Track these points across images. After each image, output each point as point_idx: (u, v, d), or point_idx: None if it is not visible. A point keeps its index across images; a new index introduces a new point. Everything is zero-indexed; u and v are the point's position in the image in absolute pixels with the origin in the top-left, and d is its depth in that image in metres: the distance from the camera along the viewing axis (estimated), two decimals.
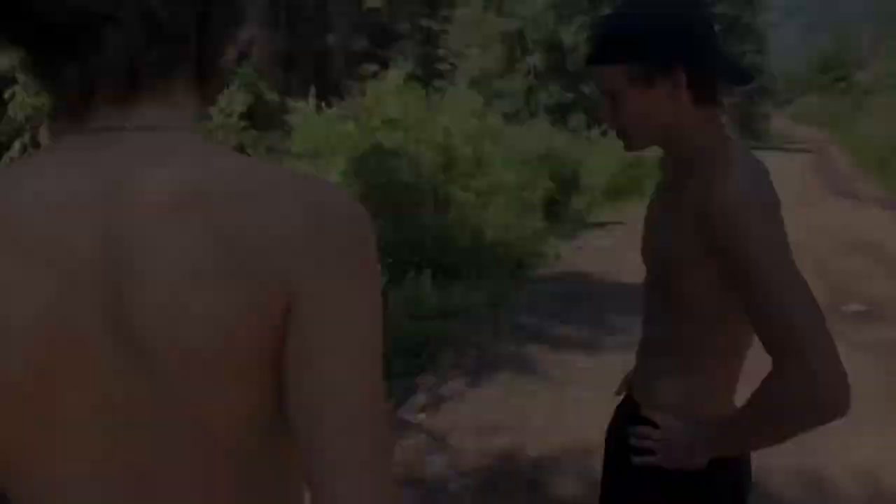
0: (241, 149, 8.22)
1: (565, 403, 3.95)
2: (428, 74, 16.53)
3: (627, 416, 1.38)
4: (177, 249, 0.56)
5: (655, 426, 1.27)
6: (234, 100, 6.92)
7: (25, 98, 10.58)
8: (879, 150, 16.30)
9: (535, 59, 17.07)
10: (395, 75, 7.57)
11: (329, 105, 10.73)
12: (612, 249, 8.37)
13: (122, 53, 0.58)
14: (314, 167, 8.45)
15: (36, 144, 10.96)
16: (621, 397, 1.52)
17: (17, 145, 10.87)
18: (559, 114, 16.96)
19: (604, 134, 15.48)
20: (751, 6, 26.74)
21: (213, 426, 0.61)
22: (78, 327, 0.57)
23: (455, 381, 4.31)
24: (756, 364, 1.22)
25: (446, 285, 5.92)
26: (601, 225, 9.99)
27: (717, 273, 1.14)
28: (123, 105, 0.61)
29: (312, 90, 10.90)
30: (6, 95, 10.79)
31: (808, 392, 1.02)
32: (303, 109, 10.94)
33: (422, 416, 3.86)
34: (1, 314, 0.55)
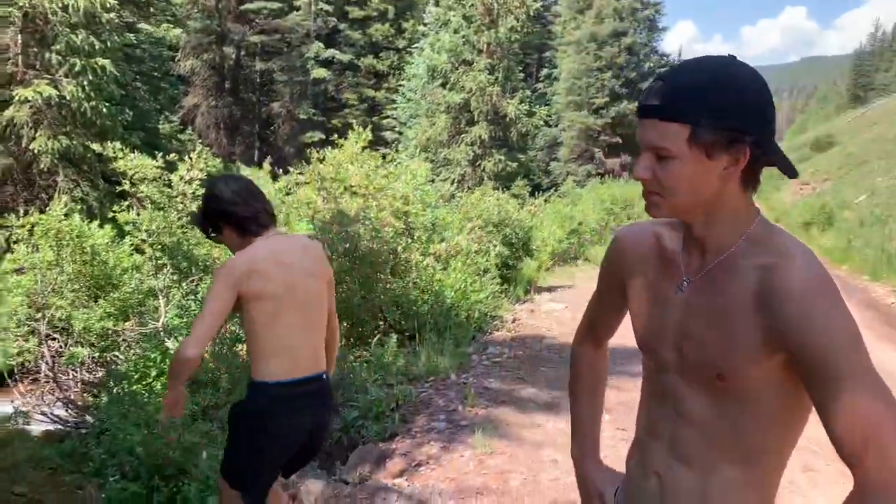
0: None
1: (543, 465, 4.03)
2: (373, 142, 16.94)
3: None
4: (308, 259, 2.51)
5: None
6: (194, 167, 6.90)
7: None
8: None
9: (481, 129, 17.66)
10: (352, 143, 7.74)
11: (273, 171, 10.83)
12: (564, 312, 8.61)
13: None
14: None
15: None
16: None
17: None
18: (502, 181, 17.49)
19: (546, 200, 16.04)
20: None
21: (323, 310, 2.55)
22: (293, 281, 2.38)
23: (429, 444, 4.33)
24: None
25: (411, 349, 5.97)
26: (551, 289, 10.26)
27: (780, 365, 1.08)
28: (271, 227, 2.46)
29: (269, 158, 11.01)
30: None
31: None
32: (254, 176, 10.98)
33: (401, 480, 3.85)
34: (273, 276, 2.33)
